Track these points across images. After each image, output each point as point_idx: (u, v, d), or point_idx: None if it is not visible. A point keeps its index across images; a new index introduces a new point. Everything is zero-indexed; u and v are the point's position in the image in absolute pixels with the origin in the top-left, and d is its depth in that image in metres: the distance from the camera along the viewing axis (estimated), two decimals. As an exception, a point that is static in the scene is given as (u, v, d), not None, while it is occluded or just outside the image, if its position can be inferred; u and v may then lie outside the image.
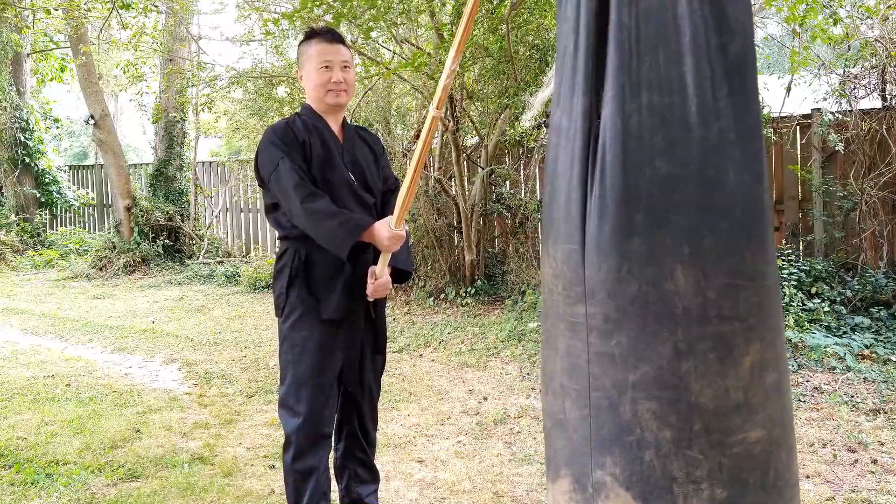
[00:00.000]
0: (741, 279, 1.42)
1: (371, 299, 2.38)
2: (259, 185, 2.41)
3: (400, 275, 2.45)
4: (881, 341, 4.62)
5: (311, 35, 2.40)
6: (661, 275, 1.41)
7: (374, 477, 2.63)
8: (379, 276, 2.32)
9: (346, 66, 2.37)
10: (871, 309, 5.06)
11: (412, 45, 6.62)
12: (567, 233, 1.52)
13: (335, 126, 2.43)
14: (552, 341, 1.59)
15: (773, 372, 1.47)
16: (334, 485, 2.59)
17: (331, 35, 2.37)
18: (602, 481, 1.47)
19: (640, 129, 1.43)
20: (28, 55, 12.16)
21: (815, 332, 4.70)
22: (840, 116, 5.56)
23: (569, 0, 1.55)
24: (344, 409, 2.52)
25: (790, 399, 1.56)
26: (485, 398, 4.17)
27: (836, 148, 5.39)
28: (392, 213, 2.24)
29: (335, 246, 2.20)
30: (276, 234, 2.43)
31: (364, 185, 2.42)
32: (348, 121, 2.54)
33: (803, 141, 6.02)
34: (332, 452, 2.55)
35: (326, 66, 2.34)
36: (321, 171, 2.32)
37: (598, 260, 1.46)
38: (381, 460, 3.14)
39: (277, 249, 2.45)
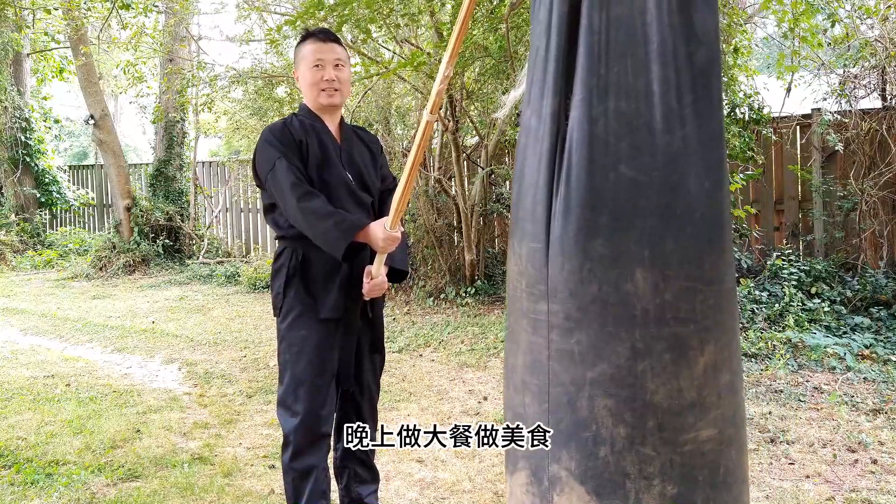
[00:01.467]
0: (699, 283, 1.46)
1: (367, 298, 2.39)
2: (256, 186, 2.41)
3: (396, 274, 2.45)
4: (881, 341, 4.62)
5: (305, 36, 2.40)
6: (622, 276, 1.44)
7: (374, 477, 2.62)
8: (375, 276, 2.32)
9: (339, 65, 2.36)
10: (871, 309, 5.06)
11: (412, 44, 6.62)
12: (532, 232, 1.55)
13: (332, 126, 2.42)
14: (515, 337, 1.63)
15: (727, 373, 1.51)
16: (334, 485, 2.59)
17: (324, 35, 2.37)
18: (558, 475, 1.51)
19: (606, 133, 1.46)
20: (28, 55, 12.16)
21: (815, 332, 4.70)
22: (840, 117, 5.56)
23: (542, 2, 1.58)
24: (343, 408, 2.51)
25: (742, 399, 1.60)
26: (485, 398, 4.16)
27: (836, 148, 5.39)
28: (388, 214, 2.23)
29: (330, 246, 2.20)
30: (274, 234, 2.43)
31: (361, 185, 2.41)
32: (346, 121, 2.54)
33: (803, 141, 6.02)
34: (332, 452, 2.54)
35: (318, 65, 2.33)
36: (318, 172, 2.32)
37: (561, 260, 1.49)
38: (381, 460, 3.14)
39: (276, 249, 2.45)
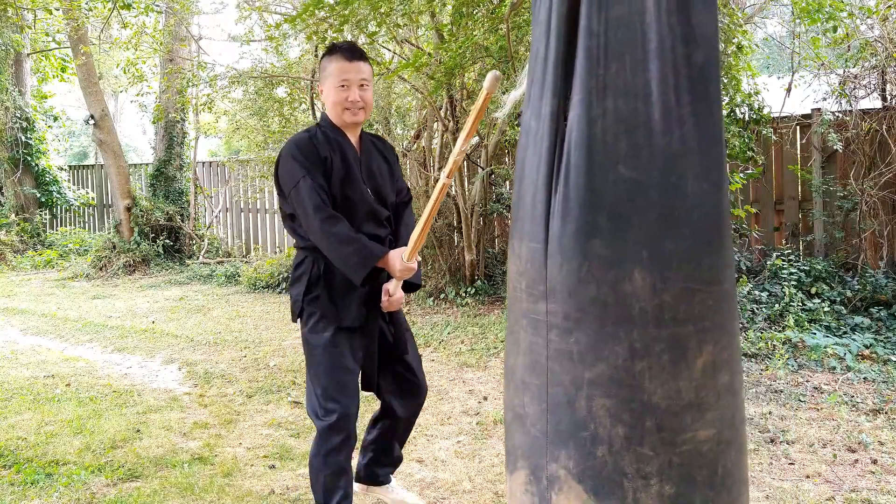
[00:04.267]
0: (698, 283, 1.46)
1: (385, 311, 2.51)
2: (278, 193, 2.50)
3: (409, 286, 2.54)
4: (881, 341, 4.62)
5: (332, 51, 2.44)
6: (620, 277, 1.44)
7: (394, 462, 2.77)
8: (393, 294, 2.43)
9: (364, 85, 2.41)
10: (871, 309, 5.05)
11: (412, 45, 6.62)
12: (531, 232, 1.56)
13: (354, 139, 2.49)
14: (514, 337, 1.64)
15: (727, 373, 1.51)
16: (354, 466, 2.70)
17: (350, 53, 2.40)
18: (556, 475, 1.51)
19: (604, 133, 1.46)
20: (28, 55, 12.16)
21: (815, 332, 4.70)
22: (840, 116, 5.56)
23: (542, 3, 1.58)
24: (381, 404, 2.66)
25: (742, 400, 1.60)
26: (485, 398, 4.17)
27: (836, 148, 5.39)
28: (406, 236, 2.40)
29: (349, 271, 2.31)
30: (295, 242, 2.51)
31: (379, 199, 2.50)
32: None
33: (803, 141, 6.02)
34: (370, 432, 2.72)
35: (344, 85, 2.38)
36: (341, 187, 2.39)
37: (560, 259, 1.50)
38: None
39: (295, 255, 2.53)
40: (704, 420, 1.46)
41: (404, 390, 2.61)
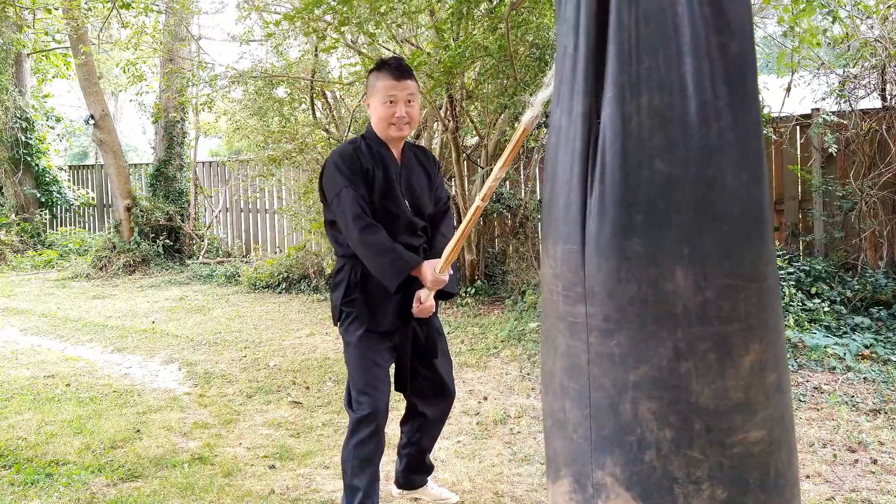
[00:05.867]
0: (740, 280, 1.42)
1: (416, 316, 2.59)
2: (322, 202, 2.61)
3: (445, 294, 2.62)
4: (881, 341, 4.62)
5: (379, 67, 2.51)
6: (661, 275, 1.40)
7: (427, 469, 2.89)
8: (424, 302, 2.53)
9: (410, 100, 2.50)
10: (871, 309, 5.05)
11: (412, 44, 6.62)
12: (567, 233, 1.52)
13: (397, 151, 2.59)
14: (552, 341, 1.59)
15: (773, 372, 1.47)
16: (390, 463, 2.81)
17: (398, 71, 2.47)
18: (602, 482, 1.47)
19: (639, 129, 1.42)
20: (28, 55, 12.17)
21: (815, 332, 4.70)
22: (837, 118, 5.56)
23: (569, 0, 1.55)
24: (407, 406, 2.77)
25: (791, 399, 1.55)
26: (485, 398, 4.17)
27: (831, 150, 5.41)
28: (442, 246, 2.49)
29: (385, 280, 2.44)
30: (335, 250, 2.64)
31: (416, 211, 2.60)
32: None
33: (803, 141, 6.02)
34: (402, 436, 2.84)
35: (391, 102, 2.47)
36: (381, 199, 2.50)
37: (597, 260, 1.46)
38: (382, 460, 3.14)
39: (336, 263, 2.66)
40: (754, 421, 1.42)
41: (432, 393, 2.71)
